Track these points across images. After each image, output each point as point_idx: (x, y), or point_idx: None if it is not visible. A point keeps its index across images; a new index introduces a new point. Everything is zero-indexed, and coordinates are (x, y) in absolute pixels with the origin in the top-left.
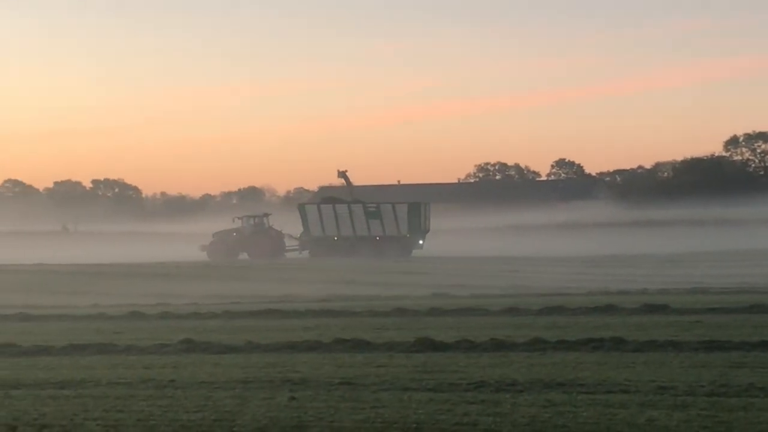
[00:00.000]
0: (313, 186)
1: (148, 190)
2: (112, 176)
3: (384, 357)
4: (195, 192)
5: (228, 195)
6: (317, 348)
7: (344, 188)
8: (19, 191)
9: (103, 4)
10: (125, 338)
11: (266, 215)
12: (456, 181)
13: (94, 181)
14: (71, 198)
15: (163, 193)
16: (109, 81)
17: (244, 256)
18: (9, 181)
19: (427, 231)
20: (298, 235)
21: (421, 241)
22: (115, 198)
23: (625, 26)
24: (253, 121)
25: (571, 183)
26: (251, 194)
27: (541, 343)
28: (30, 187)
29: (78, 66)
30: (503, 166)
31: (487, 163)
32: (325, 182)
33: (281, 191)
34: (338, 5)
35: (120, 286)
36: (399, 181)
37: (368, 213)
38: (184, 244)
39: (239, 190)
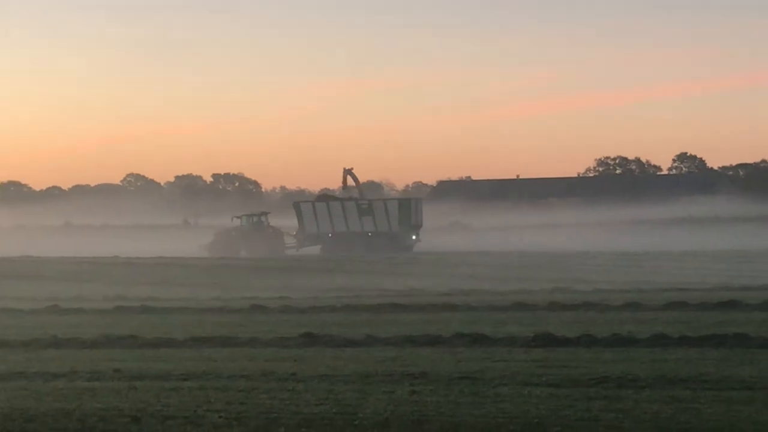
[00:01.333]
0: (431, 180)
1: (267, 184)
2: (233, 170)
3: (504, 352)
4: (314, 186)
5: (347, 189)
6: (437, 342)
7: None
8: (141, 185)
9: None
10: (247, 331)
11: (264, 214)
12: (576, 175)
13: (214, 175)
14: (192, 192)
15: (282, 187)
16: (230, 77)
17: (243, 254)
18: (131, 175)
19: (419, 227)
20: (294, 233)
21: (414, 237)
22: (235, 192)
23: (749, 16)
24: (373, 115)
25: (693, 177)
26: (370, 188)
27: (664, 339)
28: (151, 181)
29: (197, 62)
30: (623, 160)
31: (607, 157)
32: (444, 176)
33: (400, 186)
34: (458, 1)
35: (241, 280)
36: (518, 176)
37: (361, 210)
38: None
39: None
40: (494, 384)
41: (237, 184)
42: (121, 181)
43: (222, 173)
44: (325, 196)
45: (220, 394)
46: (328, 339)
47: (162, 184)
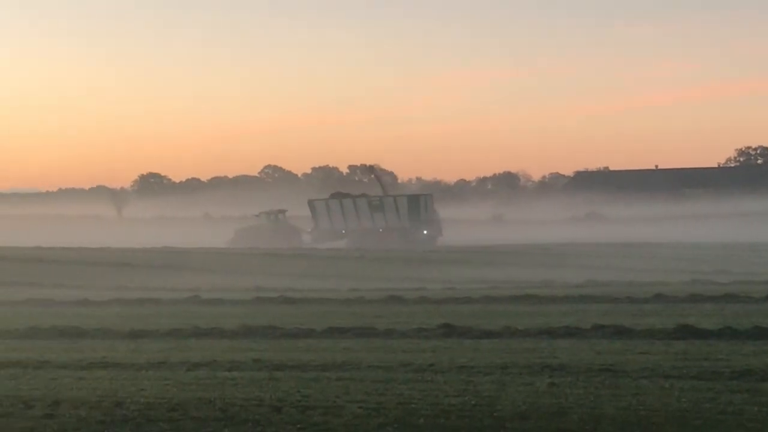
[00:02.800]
0: (568, 171)
1: (404, 175)
2: (369, 161)
3: (644, 344)
4: (450, 177)
5: (483, 180)
6: (576, 334)
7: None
8: (278, 177)
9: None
10: (384, 322)
11: (282, 212)
12: (716, 165)
13: (350, 167)
14: (329, 183)
15: (418, 178)
16: (367, 68)
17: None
18: (269, 166)
19: (432, 221)
20: (309, 230)
21: (425, 231)
22: (371, 183)
23: None
24: (509, 106)
25: None
26: (506, 179)
27: None
28: (289, 172)
29: (334, 54)
30: (765, 150)
31: (749, 147)
32: (582, 167)
33: (536, 176)
34: None
35: (378, 270)
36: (657, 166)
37: (372, 206)
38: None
39: (494, 175)
40: (634, 376)
41: (372, 175)
42: (259, 173)
43: (358, 164)
44: (339, 194)
45: (359, 384)
46: (465, 330)
47: (299, 175)
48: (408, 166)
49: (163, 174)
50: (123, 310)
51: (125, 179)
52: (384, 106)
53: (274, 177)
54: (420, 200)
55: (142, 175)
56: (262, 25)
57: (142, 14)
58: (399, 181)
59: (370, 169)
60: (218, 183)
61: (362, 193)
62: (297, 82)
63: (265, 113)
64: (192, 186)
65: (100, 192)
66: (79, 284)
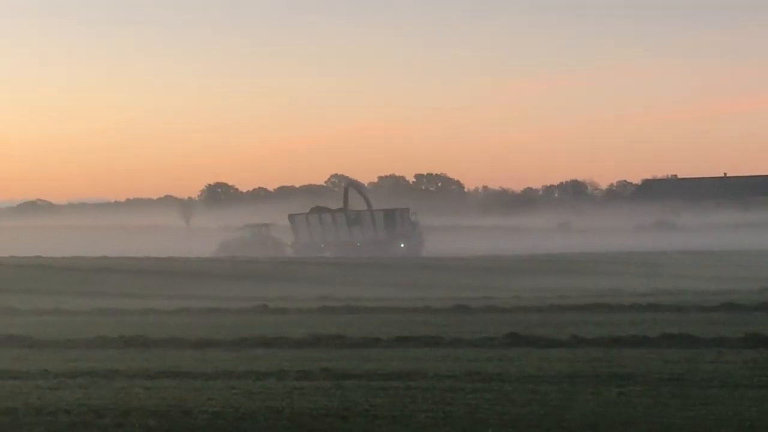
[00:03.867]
0: (636, 179)
1: (470, 183)
2: (435, 170)
3: (713, 353)
4: (517, 185)
5: (549, 188)
6: (644, 343)
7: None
8: (345, 186)
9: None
10: (451, 331)
11: (266, 225)
12: None
13: (417, 176)
14: (396, 192)
15: (485, 187)
16: (428, 76)
17: None
18: (335, 176)
19: (412, 234)
20: (290, 243)
21: (402, 245)
22: (437, 192)
23: None
24: (574, 114)
25: None
26: (573, 187)
27: None
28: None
29: (391, 63)
30: None
31: None
32: (649, 175)
33: (604, 184)
34: None
35: (444, 279)
36: (725, 174)
37: (350, 221)
38: (504, 238)
39: (561, 183)
40: (703, 386)
41: (440, 184)
42: (326, 182)
43: (425, 173)
44: (318, 208)
45: (427, 393)
46: (532, 339)
47: (366, 184)
48: (474, 175)
49: (230, 184)
50: (190, 320)
51: (193, 189)
52: (450, 114)
53: (341, 186)
54: (395, 214)
55: (210, 184)
56: (330, 35)
57: (214, 28)
58: (465, 189)
59: (349, 184)
60: (285, 192)
61: (339, 207)
62: (364, 92)
63: (332, 122)
64: (259, 195)
65: (168, 202)
66: (146, 294)
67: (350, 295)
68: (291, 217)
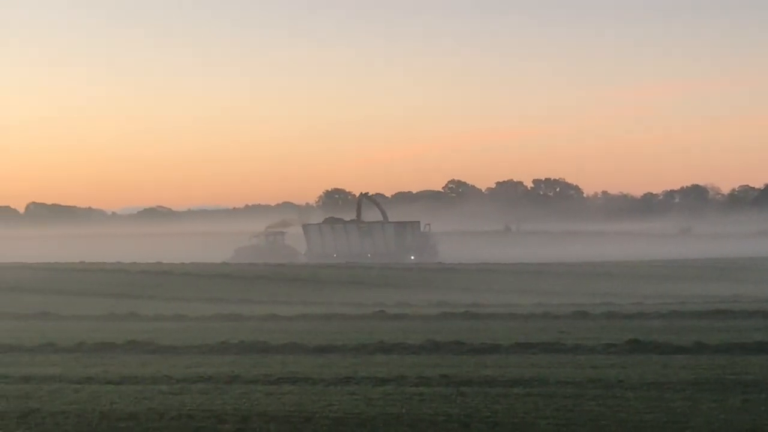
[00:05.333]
0: (759, 183)
1: (589, 189)
2: (554, 175)
3: None
4: (637, 191)
5: (670, 194)
6: None
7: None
8: (462, 192)
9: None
10: (571, 337)
11: (281, 233)
12: None
13: (535, 181)
14: (513, 198)
15: (604, 192)
16: (548, 81)
17: None
18: (452, 181)
19: (424, 246)
20: (303, 252)
21: (412, 257)
22: (556, 197)
23: None
24: (696, 118)
25: None
26: (694, 192)
27: None
28: (472, 187)
29: (526, 71)
30: None
31: None
32: None
33: (725, 189)
34: None
35: (563, 285)
36: None
37: (361, 232)
38: (623, 244)
39: (682, 188)
40: None
41: (558, 189)
42: (443, 188)
43: (543, 178)
44: (332, 219)
45: (548, 400)
46: (654, 346)
47: (483, 190)
48: (594, 180)
49: (347, 190)
50: (310, 325)
51: (311, 195)
52: (569, 119)
53: (458, 192)
54: (406, 227)
55: (327, 190)
56: (453, 43)
57: (342, 38)
58: (584, 194)
59: (363, 196)
60: (402, 198)
61: (352, 219)
62: (482, 98)
63: (450, 129)
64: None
65: (286, 208)
66: (266, 300)
67: (469, 300)
68: (305, 226)
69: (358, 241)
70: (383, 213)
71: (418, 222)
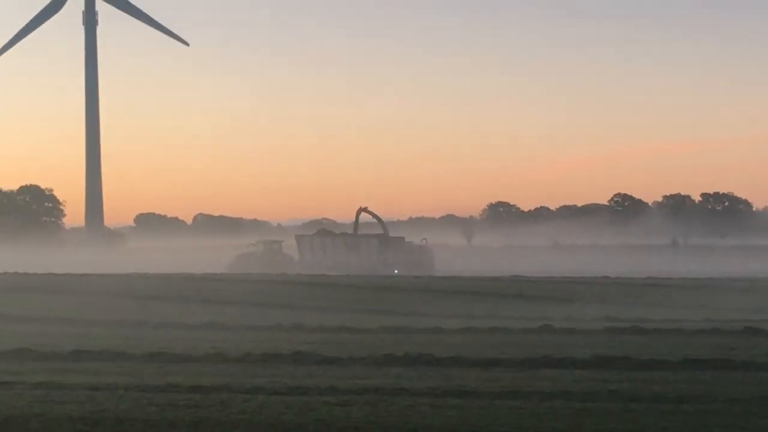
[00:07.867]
0: None
1: (759, 203)
2: (723, 189)
3: None
4: None
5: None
6: None
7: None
8: (628, 205)
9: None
10: (741, 354)
11: (278, 242)
12: None
13: (703, 195)
14: (680, 212)
15: None
16: (721, 93)
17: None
18: (618, 195)
19: (405, 261)
20: (297, 260)
21: (396, 271)
22: (724, 212)
23: None
24: None
25: None
26: None
27: None
28: (639, 201)
29: (691, 81)
30: None
31: None
32: None
33: None
34: None
35: (734, 300)
36: None
37: (349, 245)
38: None
39: None
40: None
41: (726, 203)
42: (609, 201)
43: (711, 192)
44: (323, 231)
45: (718, 418)
46: None
47: (650, 203)
48: (764, 194)
49: (512, 203)
50: (474, 339)
51: (475, 208)
52: (740, 131)
53: (624, 206)
54: (390, 242)
55: (491, 204)
56: (617, 58)
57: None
58: (753, 209)
59: (361, 209)
60: (567, 212)
61: (343, 232)
62: (647, 110)
63: (615, 142)
64: (540, 215)
65: (450, 221)
66: (430, 312)
67: (636, 315)
68: (298, 237)
69: (345, 254)
70: (383, 226)
71: (403, 238)
